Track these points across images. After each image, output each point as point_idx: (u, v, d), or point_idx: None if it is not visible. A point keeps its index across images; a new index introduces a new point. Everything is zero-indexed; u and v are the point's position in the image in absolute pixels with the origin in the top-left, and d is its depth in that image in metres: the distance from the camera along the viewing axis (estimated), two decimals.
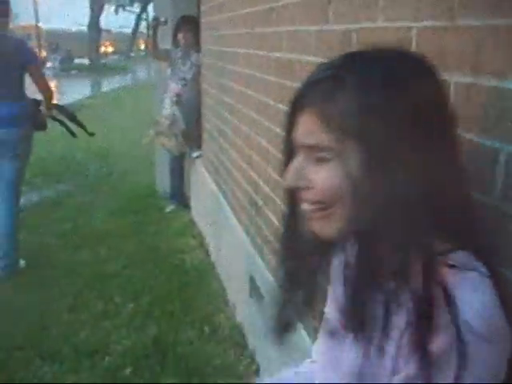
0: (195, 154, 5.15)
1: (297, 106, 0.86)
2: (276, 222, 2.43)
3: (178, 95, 5.23)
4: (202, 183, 4.81)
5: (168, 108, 5.25)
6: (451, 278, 0.76)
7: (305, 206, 0.87)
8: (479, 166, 0.99)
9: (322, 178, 0.82)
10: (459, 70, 1.05)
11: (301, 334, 2.01)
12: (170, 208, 5.50)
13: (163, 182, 5.89)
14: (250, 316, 3.12)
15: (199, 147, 5.10)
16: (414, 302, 0.76)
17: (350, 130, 0.78)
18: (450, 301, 0.74)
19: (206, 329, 3.30)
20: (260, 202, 2.78)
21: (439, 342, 0.73)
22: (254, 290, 2.97)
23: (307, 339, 1.98)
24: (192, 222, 5.11)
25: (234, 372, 2.95)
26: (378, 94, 0.78)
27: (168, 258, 4.33)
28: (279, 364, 2.48)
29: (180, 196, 5.55)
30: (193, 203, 5.36)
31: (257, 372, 2.90)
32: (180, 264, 4.22)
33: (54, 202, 5.91)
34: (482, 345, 0.73)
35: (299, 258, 0.94)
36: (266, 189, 2.61)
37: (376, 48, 0.85)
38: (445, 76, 0.96)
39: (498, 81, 0.95)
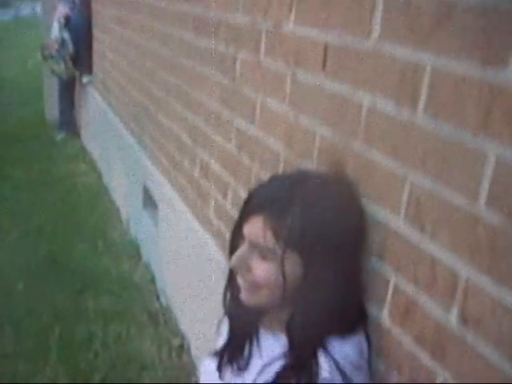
0: (85, 80, 4.98)
1: (252, 209, 1.07)
2: (168, 126, 2.47)
3: (66, 18, 5.00)
4: (93, 106, 4.69)
5: (56, 31, 5.01)
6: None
7: (240, 281, 1.10)
8: None
9: (262, 270, 1.05)
10: None
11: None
12: (59, 136, 5.33)
13: (52, 110, 5.65)
14: (143, 228, 3.17)
15: (90, 73, 4.94)
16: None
17: (293, 244, 1.01)
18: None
19: (100, 244, 3.31)
20: (152, 108, 2.79)
21: None
22: (148, 200, 3.01)
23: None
24: (83, 149, 4.99)
25: (130, 282, 3.01)
26: (319, 220, 1.01)
27: (59, 182, 4.24)
28: (174, 272, 2.58)
29: (70, 124, 5.38)
30: (83, 131, 5.22)
31: (152, 280, 2.98)
32: (72, 187, 4.14)
33: None
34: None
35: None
36: (160, 94, 2.63)
37: (321, 174, 1.14)
38: None
39: None
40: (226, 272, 1.20)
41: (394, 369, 1.03)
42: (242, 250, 1.08)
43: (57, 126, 5.47)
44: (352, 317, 1.07)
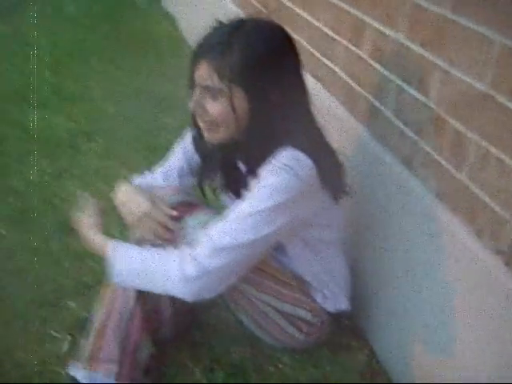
0: None
1: (197, 56, 1.25)
2: None
3: None
4: None
5: None
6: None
7: (200, 124, 1.34)
8: None
9: (215, 109, 1.26)
10: None
11: None
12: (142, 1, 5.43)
13: None
14: None
15: None
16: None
17: (236, 80, 1.22)
18: None
19: None
20: None
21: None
22: None
23: None
24: (168, 14, 5.08)
25: None
26: (256, 56, 1.22)
27: (142, 33, 4.44)
28: None
29: None
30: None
31: None
32: (156, 38, 4.34)
33: None
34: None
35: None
36: None
37: (256, 19, 1.31)
38: None
39: None
40: None
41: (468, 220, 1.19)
42: (195, 94, 1.28)
43: None
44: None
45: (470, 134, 1.17)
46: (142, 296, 1.44)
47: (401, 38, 1.42)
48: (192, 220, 1.39)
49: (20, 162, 2.67)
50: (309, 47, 2.07)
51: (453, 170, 1.25)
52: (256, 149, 1.30)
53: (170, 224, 1.39)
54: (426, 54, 1.32)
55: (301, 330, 1.55)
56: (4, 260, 2.01)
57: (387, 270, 1.54)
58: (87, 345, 1.46)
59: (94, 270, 1.92)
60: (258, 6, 2.72)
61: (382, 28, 1.52)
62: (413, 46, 1.37)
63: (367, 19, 1.60)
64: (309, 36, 2.06)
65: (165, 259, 1.30)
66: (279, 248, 1.46)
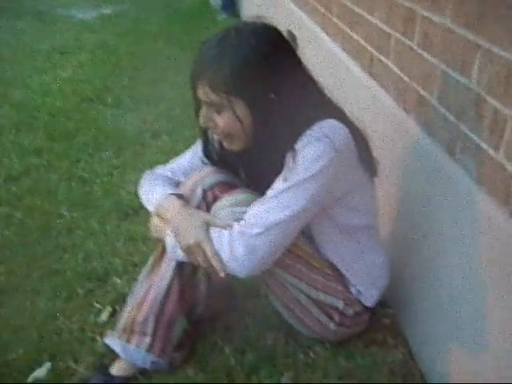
0: None
1: (193, 78, 1.29)
2: None
3: None
4: None
5: None
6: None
7: (216, 136, 1.42)
8: None
9: (222, 122, 1.30)
10: None
11: None
12: (221, 16, 5.63)
13: None
14: None
15: None
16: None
17: (232, 91, 1.24)
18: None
19: None
20: None
21: None
22: None
23: None
24: None
25: None
26: (245, 64, 1.23)
27: None
28: None
29: (232, 5, 5.65)
30: (243, 12, 5.45)
31: None
32: None
33: None
34: None
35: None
36: None
37: (240, 27, 1.28)
38: None
39: None
40: None
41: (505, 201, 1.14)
42: (203, 111, 1.32)
43: (219, 7, 5.78)
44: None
45: (506, 111, 1.13)
46: (180, 273, 1.48)
47: (448, 22, 1.40)
48: (229, 199, 1.41)
49: (89, 155, 2.84)
50: (365, 44, 2.07)
51: (490, 151, 1.20)
52: (278, 147, 1.28)
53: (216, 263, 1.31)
54: (469, 35, 1.29)
55: (333, 320, 1.51)
56: (61, 237, 2.13)
57: (426, 259, 1.49)
58: (124, 316, 1.51)
59: (145, 252, 1.99)
60: (322, 9, 2.76)
61: (430, 15, 1.50)
62: (457, 30, 1.35)
63: (417, 8, 1.59)
64: (366, 33, 2.07)
65: (216, 237, 1.31)
66: (313, 233, 1.45)
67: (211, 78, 1.25)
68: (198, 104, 1.33)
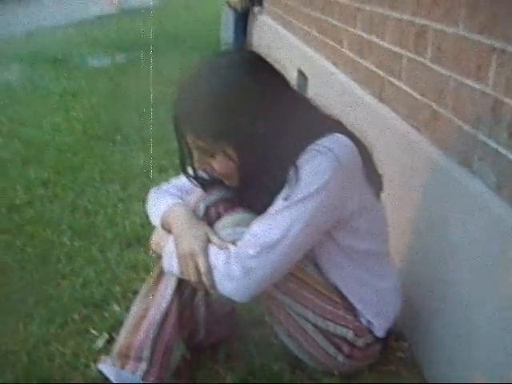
0: (256, 10, 5.40)
1: (176, 129, 1.26)
2: None
3: None
4: (265, 28, 4.98)
5: None
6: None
7: (215, 175, 1.32)
8: None
9: (217, 165, 1.25)
10: None
11: None
12: None
13: (228, 37, 6.10)
14: None
15: (260, 4, 5.32)
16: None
17: (217, 135, 1.19)
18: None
19: None
20: None
21: None
22: None
23: None
24: None
25: None
26: (219, 104, 1.17)
27: None
28: None
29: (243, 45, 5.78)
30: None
31: None
32: None
33: None
34: None
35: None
36: None
37: (216, 64, 1.24)
38: None
39: None
40: None
41: None
42: (196, 156, 1.27)
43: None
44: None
45: None
46: (178, 296, 1.39)
47: (460, 30, 1.36)
48: (231, 218, 1.34)
49: (95, 187, 2.80)
50: (376, 69, 2.04)
51: (510, 156, 1.13)
52: (279, 171, 1.22)
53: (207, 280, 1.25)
54: (483, 39, 1.24)
55: (342, 351, 1.40)
56: (60, 264, 2.05)
57: (445, 284, 1.39)
58: (119, 341, 1.41)
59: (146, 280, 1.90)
60: (334, 44, 2.76)
61: (442, 27, 1.47)
62: (471, 36, 1.31)
63: (429, 22, 1.56)
64: (377, 59, 2.04)
65: (214, 253, 1.24)
66: (318, 257, 1.36)
67: (193, 127, 1.21)
68: (182, 150, 1.31)
